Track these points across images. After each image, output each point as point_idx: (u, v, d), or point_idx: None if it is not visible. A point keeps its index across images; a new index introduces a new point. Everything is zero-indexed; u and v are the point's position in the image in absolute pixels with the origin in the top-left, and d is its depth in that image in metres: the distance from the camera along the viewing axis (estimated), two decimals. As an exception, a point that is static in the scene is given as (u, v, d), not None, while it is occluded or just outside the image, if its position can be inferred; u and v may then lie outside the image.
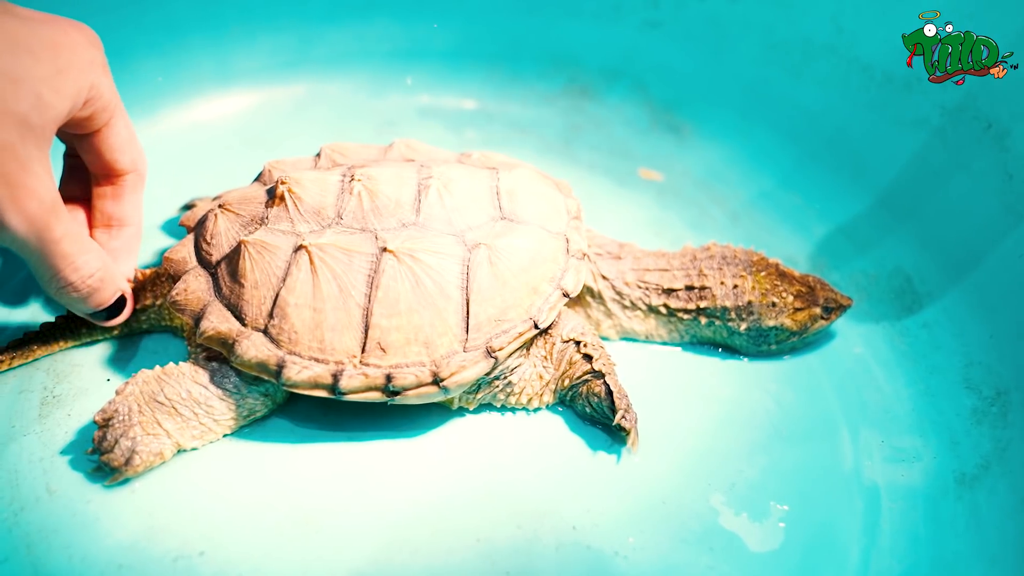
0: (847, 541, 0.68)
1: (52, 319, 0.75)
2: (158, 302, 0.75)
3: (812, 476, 0.72)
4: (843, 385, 0.80)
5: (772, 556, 0.67)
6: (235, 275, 0.69)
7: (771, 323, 0.79)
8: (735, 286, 0.79)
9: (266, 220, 0.71)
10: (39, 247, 0.60)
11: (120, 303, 0.71)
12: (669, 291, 0.80)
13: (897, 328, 0.85)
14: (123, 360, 0.76)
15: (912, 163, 0.92)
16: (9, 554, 0.62)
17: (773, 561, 0.66)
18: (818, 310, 0.79)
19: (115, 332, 0.77)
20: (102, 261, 0.66)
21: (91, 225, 0.75)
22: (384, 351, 0.67)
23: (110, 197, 0.74)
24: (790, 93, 1.03)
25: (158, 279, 0.75)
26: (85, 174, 0.76)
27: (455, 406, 0.74)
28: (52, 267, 0.62)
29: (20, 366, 0.74)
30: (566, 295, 0.72)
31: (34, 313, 0.79)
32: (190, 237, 0.75)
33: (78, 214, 0.75)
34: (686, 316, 0.80)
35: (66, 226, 0.61)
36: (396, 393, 0.67)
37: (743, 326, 0.79)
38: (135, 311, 0.75)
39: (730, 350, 0.83)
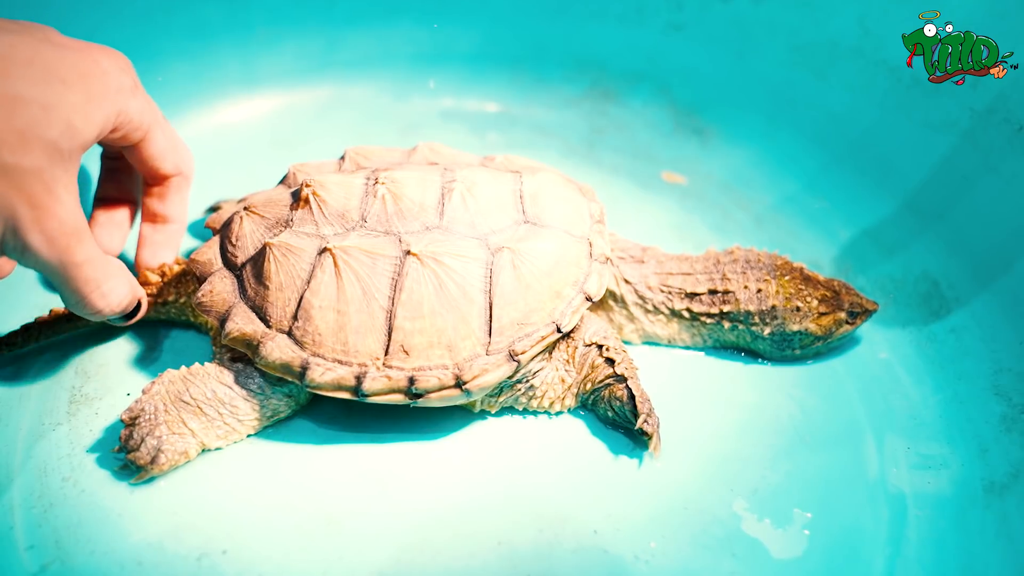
0: (872, 549, 0.67)
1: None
2: (181, 299, 0.77)
3: (836, 483, 0.72)
4: (868, 391, 0.80)
5: (795, 563, 0.66)
6: (260, 277, 0.70)
7: (795, 327, 0.78)
8: (759, 290, 0.79)
9: (291, 223, 0.72)
10: (61, 270, 0.61)
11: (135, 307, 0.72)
12: (692, 295, 0.80)
13: (924, 333, 0.84)
14: (149, 360, 0.78)
15: (940, 166, 0.91)
16: (35, 542, 0.63)
17: (796, 568, 0.66)
18: (843, 315, 0.78)
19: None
20: (128, 285, 0.68)
21: (143, 220, 0.79)
22: (407, 354, 0.67)
23: (156, 196, 0.78)
24: (815, 96, 1.02)
25: (183, 276, 0.77)
26: (121, 176, 0.80)
27: (477, 409, 0.74)
28: (77, 291, 0.63)
29: (47, 342, 0.76)
30: (589, 299, 0.72)
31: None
32: (216, 239, 0.76)
33: (114, 214, 0.79)
34: (709, 320, 0.80)
35: (88, 251, 0.62)
36: (419, 395, 0.68)
37: (767, 330, 0.79)
38: (159, 303, 0.77)
39: (753, 354, 0.82)
